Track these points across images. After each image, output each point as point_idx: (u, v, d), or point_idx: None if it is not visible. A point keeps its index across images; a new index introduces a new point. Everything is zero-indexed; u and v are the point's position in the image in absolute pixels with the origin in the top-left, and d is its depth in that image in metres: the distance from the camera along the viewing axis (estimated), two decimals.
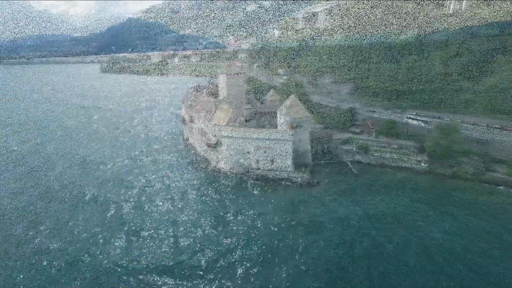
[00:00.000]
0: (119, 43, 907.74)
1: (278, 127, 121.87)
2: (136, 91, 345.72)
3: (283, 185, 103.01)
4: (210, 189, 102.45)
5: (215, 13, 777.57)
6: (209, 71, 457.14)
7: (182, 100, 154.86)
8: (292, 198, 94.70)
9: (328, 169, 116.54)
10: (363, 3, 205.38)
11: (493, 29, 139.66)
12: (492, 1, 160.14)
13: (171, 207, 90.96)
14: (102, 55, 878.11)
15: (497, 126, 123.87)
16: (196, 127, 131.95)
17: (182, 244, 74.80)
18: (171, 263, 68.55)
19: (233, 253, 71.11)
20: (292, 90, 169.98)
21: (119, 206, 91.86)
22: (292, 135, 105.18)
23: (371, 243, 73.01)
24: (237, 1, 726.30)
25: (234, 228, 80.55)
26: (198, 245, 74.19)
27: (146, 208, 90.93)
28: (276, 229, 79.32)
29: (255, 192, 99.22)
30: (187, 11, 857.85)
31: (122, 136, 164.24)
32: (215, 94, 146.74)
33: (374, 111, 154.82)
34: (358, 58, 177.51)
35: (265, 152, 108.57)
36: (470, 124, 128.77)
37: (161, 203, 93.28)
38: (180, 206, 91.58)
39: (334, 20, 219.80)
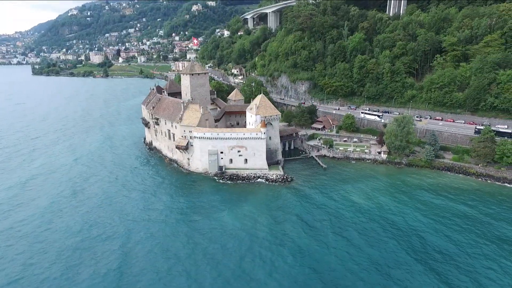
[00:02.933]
0: (50, 42, 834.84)
1: (247, 126, 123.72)
2: (82, 94, 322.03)
3: (259, 183, 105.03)
4: (185, 192, 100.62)
5: (158, 12, 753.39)
6: (158, 71, 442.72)
7: (143, 101, 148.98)
8: (271, 195, 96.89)
9: (298, 164, 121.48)
10: (313, 5, 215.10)
11: (430, 31, 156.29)
12: (429, 4, 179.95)
13: (147, 213, 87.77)
14: (31, 56, 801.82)
15: (438, 118, 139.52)
16: (162, 129, 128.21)
17: (169, 250, 73.03)
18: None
19: (226, 259, 70.68)
20: (254, 89, 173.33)
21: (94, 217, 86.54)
22: (265, 133, 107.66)
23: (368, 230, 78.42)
24: (181, 1, 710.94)
25: (221, 230, 79.79)
26: (185, 249, 73.02)
27: (122, 215, 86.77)
28: (268, 227, 79.94)
29: (233, 192, 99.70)
30: (128, 9, 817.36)
31: (81, 145, 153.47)
32: (177, 95, 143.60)
33: (331, 108, 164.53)
34: (313, 57, 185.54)
35: (238, 151, 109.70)
36: (416, 117, 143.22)
37: (136, 210, 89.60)
38: (157, 212, 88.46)
39: (286, 21, 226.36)
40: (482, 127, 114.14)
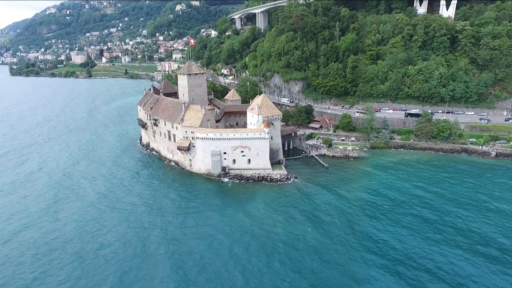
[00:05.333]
0: (28, 42, 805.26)
1: (248, 126, 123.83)
2: (77, 96, 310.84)
3: (264, 183, 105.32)
4: (191, 194, 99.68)
5: (141, 12, 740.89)
6: (143, 72, 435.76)
7: (139, 102, 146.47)
8: (279, 195, 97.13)
9: (299, 164, 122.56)
10: (303, 6, 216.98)
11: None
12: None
13: (154, 218, 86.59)
14: (7, 56, 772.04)
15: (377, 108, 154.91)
16: (162, 130, 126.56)
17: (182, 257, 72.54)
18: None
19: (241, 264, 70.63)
20: (248, 89, 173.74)
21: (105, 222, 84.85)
22: (268, 133, 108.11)
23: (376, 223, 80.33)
24: (165, 1, 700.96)
25: (241, 230, 79.44)
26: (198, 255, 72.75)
27: (130, 220, 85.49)
28: (282, 228, 79.99)
29: (240, 192, 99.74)
30: (109, 9, 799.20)
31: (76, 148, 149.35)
32: (172, 95, 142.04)
33: (327, 108, 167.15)
34: (306, 58, 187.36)
35: (242, 151, 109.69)
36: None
37: (144, 215, 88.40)
38: (166, 216, 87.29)
39: (276, 22, 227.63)
40: (412, 111, 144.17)
